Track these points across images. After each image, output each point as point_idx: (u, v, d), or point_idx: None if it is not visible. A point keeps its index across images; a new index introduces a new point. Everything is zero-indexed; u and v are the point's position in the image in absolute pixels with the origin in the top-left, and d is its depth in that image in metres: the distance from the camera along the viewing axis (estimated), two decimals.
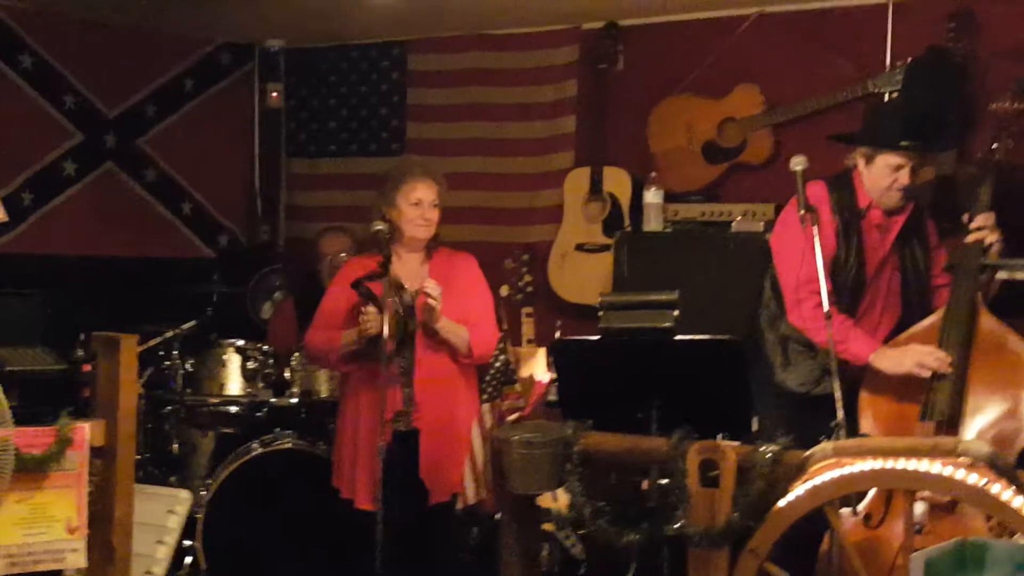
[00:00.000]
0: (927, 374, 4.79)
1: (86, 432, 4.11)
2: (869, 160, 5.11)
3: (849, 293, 5.15)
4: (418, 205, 5.52)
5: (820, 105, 6.60)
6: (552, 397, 5.63)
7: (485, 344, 5.45)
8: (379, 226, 5.39)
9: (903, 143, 5.04)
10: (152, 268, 8.07)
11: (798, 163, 4.79)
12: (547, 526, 5.54)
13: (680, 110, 7.16)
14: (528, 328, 6.72)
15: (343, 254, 6.65)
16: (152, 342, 6.43)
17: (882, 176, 5.08)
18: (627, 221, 7.11)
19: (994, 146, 5.27)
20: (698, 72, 7.07)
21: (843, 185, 5.21)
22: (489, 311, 5.64)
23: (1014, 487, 3.53)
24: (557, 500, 4.73)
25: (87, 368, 4.22)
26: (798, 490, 3.84)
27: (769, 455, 4.04)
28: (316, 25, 8.06)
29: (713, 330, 4.54)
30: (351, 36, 8.41)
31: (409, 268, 5.54)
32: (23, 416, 3.76)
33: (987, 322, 4.90)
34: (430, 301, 5.32)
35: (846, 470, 3.78)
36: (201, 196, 8.55)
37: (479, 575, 5.66)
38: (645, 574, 5.68)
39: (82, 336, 4.30)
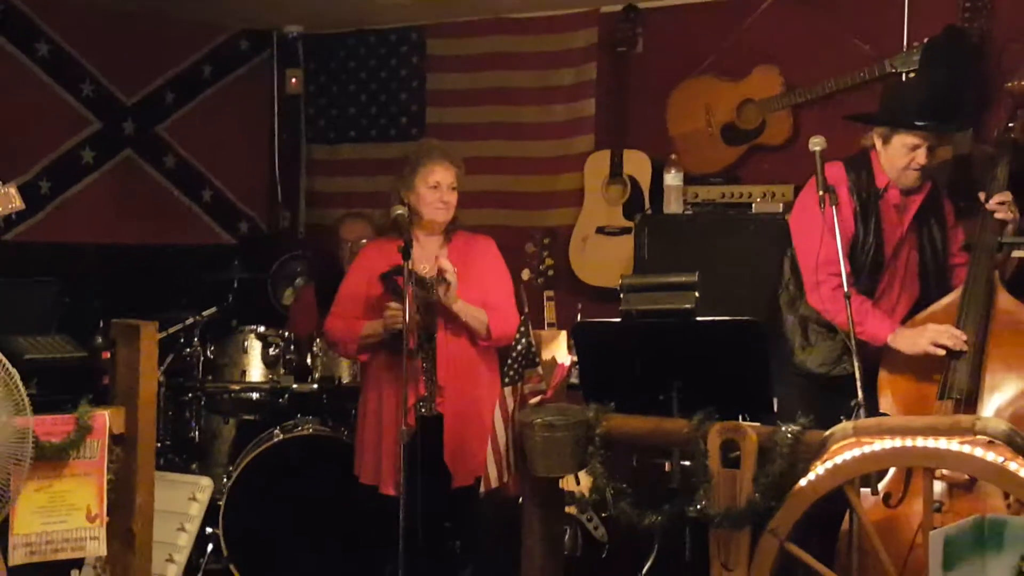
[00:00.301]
0: (942, 353, 4.79)
1: (106, 420, 4.12)
2: (886, 140, 5.11)
3: (867, 274, 5.14)
4: (436, 188, 5.50)
5: (838, 86, 6.57)
6: (574, 380, 5.62)
7: (505, 326, 5.43)
8: (399, 210, 5.38)
9: (919, 123, 5.03)
10: (172, 255, 8.06)
11: (817, 144, 4.78)
12: (569, 509, 5.55)
13: (699, 92, 7.14)
14: (549, 311, 6.73)
15: (363, 240, 6.65)
16: (172, 329, 6.43)
17: (899, 156, 5.07)
18: (647, 204, 7.10)
19: (1010, 125, 5.25)
20: (717, 54, 7.07)
21: (861, 165, 5.20)
22: (508, 293, 5.63)
23: None
24: (579, 483, 4.73)
25: (106, 356, 4.23)
26: (818, 469, 3.83)
27: (790, 435, 4.03)
28: (334, 11, 8.06)
29: (734, 311, 4.54)
30: (370, 21, 8.40)
31: (428, 252, 5.53)
32: (42, 404, 3.78)
33: (1004, 300, 4.91)
34: (448, 276, 5.31)
35: (866, 449, 3.77)
36: (220, 183, 8.57)
37: (502, 558, 5.65)
38: (667, 555, 5.70)
39: (101, 324, 4.31)
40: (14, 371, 3.44)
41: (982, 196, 5.10)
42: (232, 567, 6.06)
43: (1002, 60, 6.04)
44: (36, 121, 7.58)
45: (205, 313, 6.57)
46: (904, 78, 6.20)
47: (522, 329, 4.92)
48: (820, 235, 4.77)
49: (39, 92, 7.60)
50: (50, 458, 3.95)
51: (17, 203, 4.14)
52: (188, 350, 6.52)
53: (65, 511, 4.04)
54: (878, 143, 5.14)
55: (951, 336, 4.78)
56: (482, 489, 5.01)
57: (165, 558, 5.25)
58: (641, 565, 5.88)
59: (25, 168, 7.49)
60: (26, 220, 7.43)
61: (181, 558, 5.32)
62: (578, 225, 7.44)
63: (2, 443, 3.38)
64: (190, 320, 6.50)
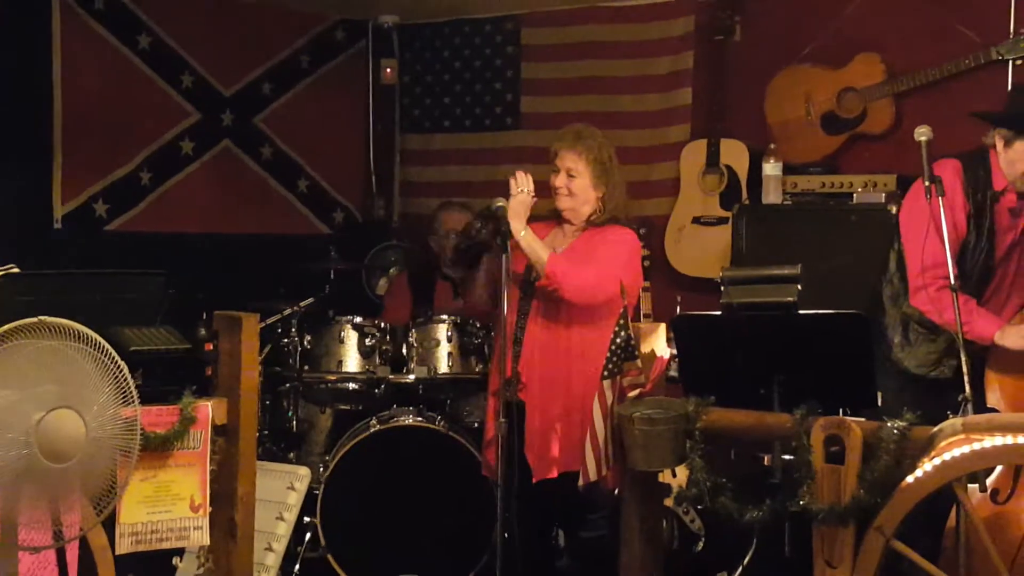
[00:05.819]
0: None
1: (209, 410, 4.14)
2: (1008, 143, 4.90)
3: (976, 278, 5.02)
4: (557, 173, 5.41)
5: (942, 73, 6.48)
6: (673, 373, 5.58)
7: (565, 274, 5.20)
8: (499, 203, 5.29)
9: None
10: (269, 245, 8.10)
11: (923, 134, 4.67)
12: (666, 501, 5.52)
13: (798, 80, 7.07)
14: (645, 303, 6.68)
15: None
16: (271, 320, 6.45)
17: (1021, 161, 4.92)
18: (745, 194, 7.04)
19: None
20: (817, 41, 6.99)
21: (978, 164, 5.02)
22: (605, 264, 5.32)
23: None
24: (675, 475, 4.70)
25: (209, 347, 4.24)
26: (926, 466, 3.79)
27: (896, 431, 3.97)
28: (430, 0, 8.06)
29: (833, 304, 4.47)
30: (465, 11, 8.40)
31: (559, 242, 5.46)
32: (147, 395, 3.79)
33: None
34: (512, 189, 5.24)
35: (976, 446, 3.72)
36: (316, 173, 8.60)
37: (597, 552, 5.64)
38: (766, 551, 5.65)
39: (204, 315, 4.33)
40: (122, 363, 3.46)
41: None
42: (329, 556, 6.09)
43: None
44: (138, 113, 7.65)
45: (302, 303, 6.57)
46: (1011, 66, 6.11)
47: (621, 322, 4.88)
48: (927, 230, 4.67)
49: (141, 84, 7.66)
50: (155, 449, 3.96)
51: None
52: (286, 340, 6.51)
53: (170, 501, 4.06)
54: (999, 144, 4.94)
55: None
56: (580, 482, 4.99)
57: (264, 547, 5.28)
58: (737, 559, 5.83)
59: (127, 159, 7.59)
60: (128, 211, 7.53)
61: (280, 547, 5.34)
62: (674, 215, 7.40)
63: (111, 434, 3.40)
64: (288, 311, 6.51)
